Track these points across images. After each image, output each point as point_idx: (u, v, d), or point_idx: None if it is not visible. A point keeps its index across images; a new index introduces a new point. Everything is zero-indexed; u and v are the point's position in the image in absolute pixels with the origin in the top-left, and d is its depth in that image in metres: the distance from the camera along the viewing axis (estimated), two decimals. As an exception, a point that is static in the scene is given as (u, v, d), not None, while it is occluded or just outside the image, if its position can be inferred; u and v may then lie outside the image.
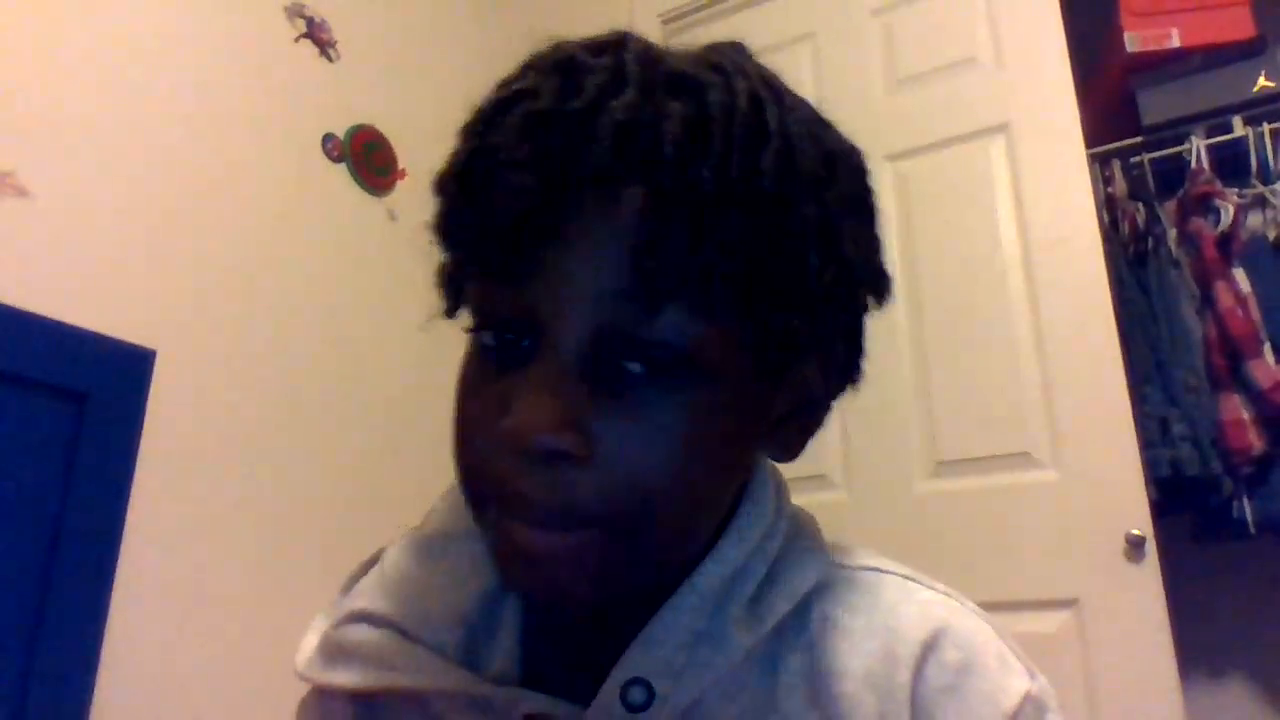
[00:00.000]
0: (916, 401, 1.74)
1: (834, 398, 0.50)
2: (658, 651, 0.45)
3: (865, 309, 0.48)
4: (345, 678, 0.49)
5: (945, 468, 1.69)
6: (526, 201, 0.39)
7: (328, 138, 1.79)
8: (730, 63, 0.43)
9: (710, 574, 0.47)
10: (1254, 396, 1.73)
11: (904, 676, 0.45)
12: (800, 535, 0.51)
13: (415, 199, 1.92)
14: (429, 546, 0.52)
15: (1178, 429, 1.75)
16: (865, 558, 0.52)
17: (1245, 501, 1.73)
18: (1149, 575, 1.48)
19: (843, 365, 0.49)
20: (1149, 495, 1.54)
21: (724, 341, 0.41)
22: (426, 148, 1.99)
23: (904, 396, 1.74)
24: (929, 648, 0.46)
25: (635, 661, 0.45)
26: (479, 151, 0.42)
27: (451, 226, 0.43)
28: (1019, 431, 1.64)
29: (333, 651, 0.50)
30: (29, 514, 1.19)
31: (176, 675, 1.34)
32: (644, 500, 0.41)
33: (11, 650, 1.14)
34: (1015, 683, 0.45)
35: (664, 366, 0.41)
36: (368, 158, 1.86)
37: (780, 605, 0.47)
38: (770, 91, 0.43)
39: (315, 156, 1.77)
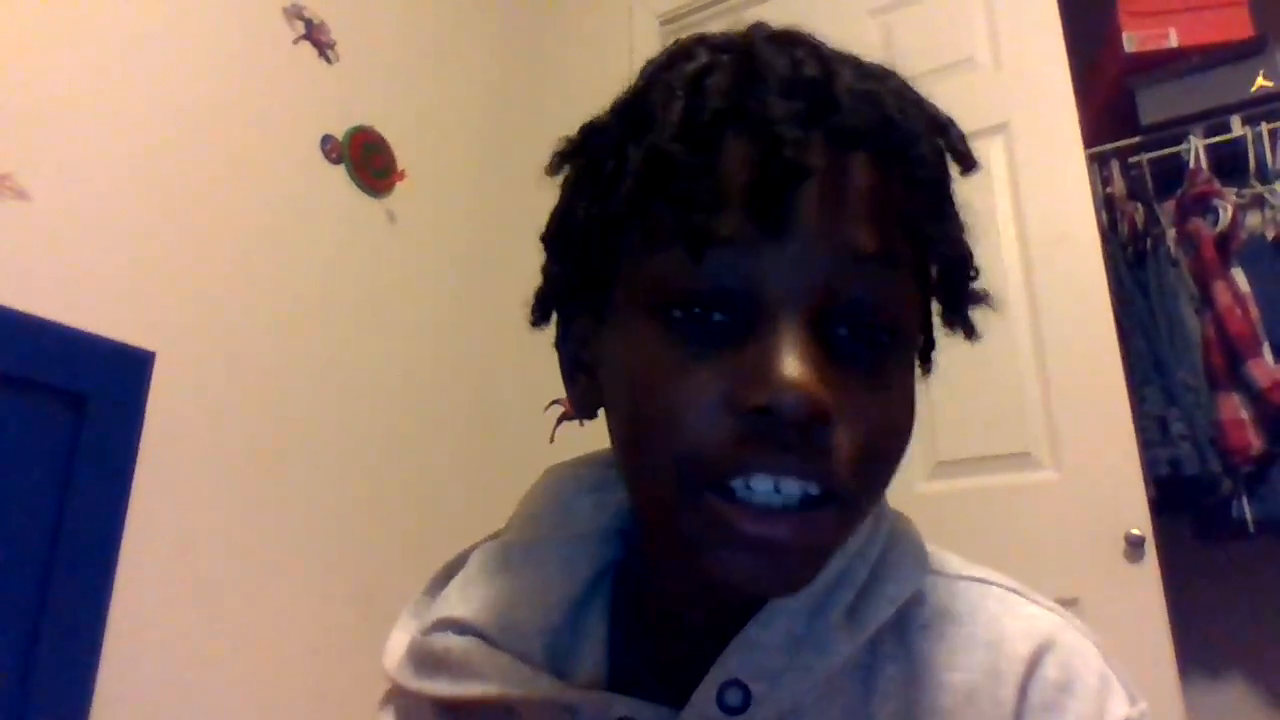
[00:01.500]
0: (916, 401, 1.74)
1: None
2: (756, 654, 0.45)
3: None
4: (434, 686, 0.49)
5: (944, 468, 1.69)
6: (797, 156, 0.39)
7: (326, 139, 1.79)
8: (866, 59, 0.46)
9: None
10: (1253, 396, 1.73)
11: (1007, 692, 0.45)
12: (901, 540, 0.51)
13: (414, 200, 1.93)
14: (514, 553, 0.52)
15: (1177, 428, 1.75)
16: (967, 567, 0.52)
17: (1244, 501, 1.73)
18: (1148, 575, 1.48)
19: (925, 351, 0.51)
20: (1148, 495, 1.54)
21: (915, 307, 0.44)
22: (426, 149, 2.00)
23: (903, 396, 1.74)
24: (1033, 664, 0.45)
25: (733, 664, 0.45)
26: (715, 111, 0.40)
27: (679, 184, 0.40)
28: (1018, 431, 1.64)
29: (422, 658, 0.50)
30: (29, 515, 1.19)
31: (176, 675, 1.34)
32: (879, 465, 0.41)
33: (11, 650, 1.14)
34: (1115, 707, 0.45)
35: (879, 330, 0.41)
36: (367, 159, 1.86)
37: (880, 612, 0.47)
38: (916, 90, 0.47)
39: (314, 158, 1.77)
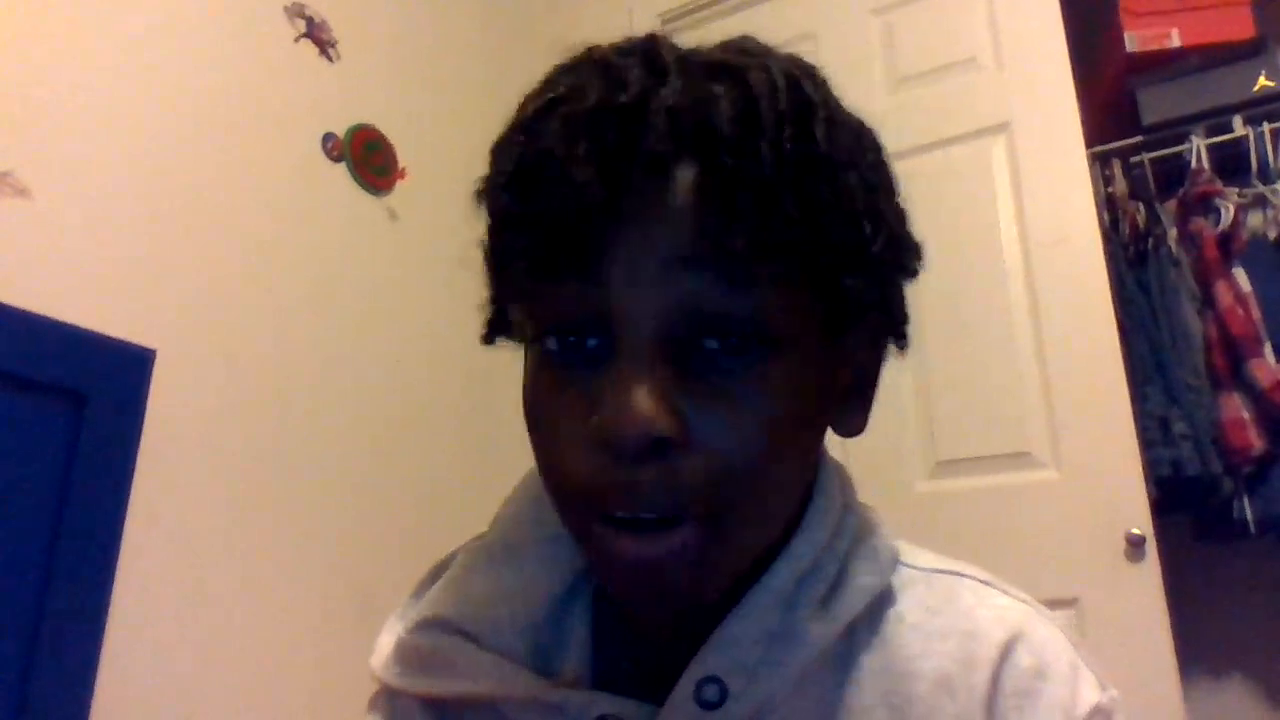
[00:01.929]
0: (916, 401, 1.74)
1: (881, 366, 0.52)
2: (732, 650, 0.46)
3: (907, 275, 0.50)
4: (419, 684, 0.50)
5: (945, 467, 1.69)
6: (590, 194, 0.39)
7: (328, 137, 1.79)
8: (756, 48, 0.46)
9: (783, 572, 0.47)
10: (1254, 396, 1.73)
11: (980, 679, 0.46)
12: (870, 533, 0.51)
13: (415, 198, 1.93)
14: (497, 553, 0.53)
15: (1178, 428, 1.75)
16: (940, 561, 0.53)
17: (1245, 501, 1.73)
18: (1149, 575, 1.48)
19: (891, 332, 0.50)
20: (1149, 495, 1.54)
21: (792, 309, 0.42)
22: (426, 147, 2.00)
23: (904, 396, 1.74)
24: (1006, 652, 0.46)
25: (710, 661, 0.46)
26: (532, 155, 0.41)
27: (510, 232, 0.43)
28: (1019, 431, 1.64)
29: (408, 657, 0.51)
30: (29, 513, 1.19)
31: (176, 675, 1.34)
32: (741, 481, 0.41)
33: (11, 650, 1.14)
34: (1086, 692, 0.46)
35: (741, 340, 0.41)
36: (368, 157, 1.86)
37: (852, 604, 0.48)
38: (801, 69, 0.45)
39: (315, 156, 1.77)
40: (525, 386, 0.45)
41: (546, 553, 0.51)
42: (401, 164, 1.93)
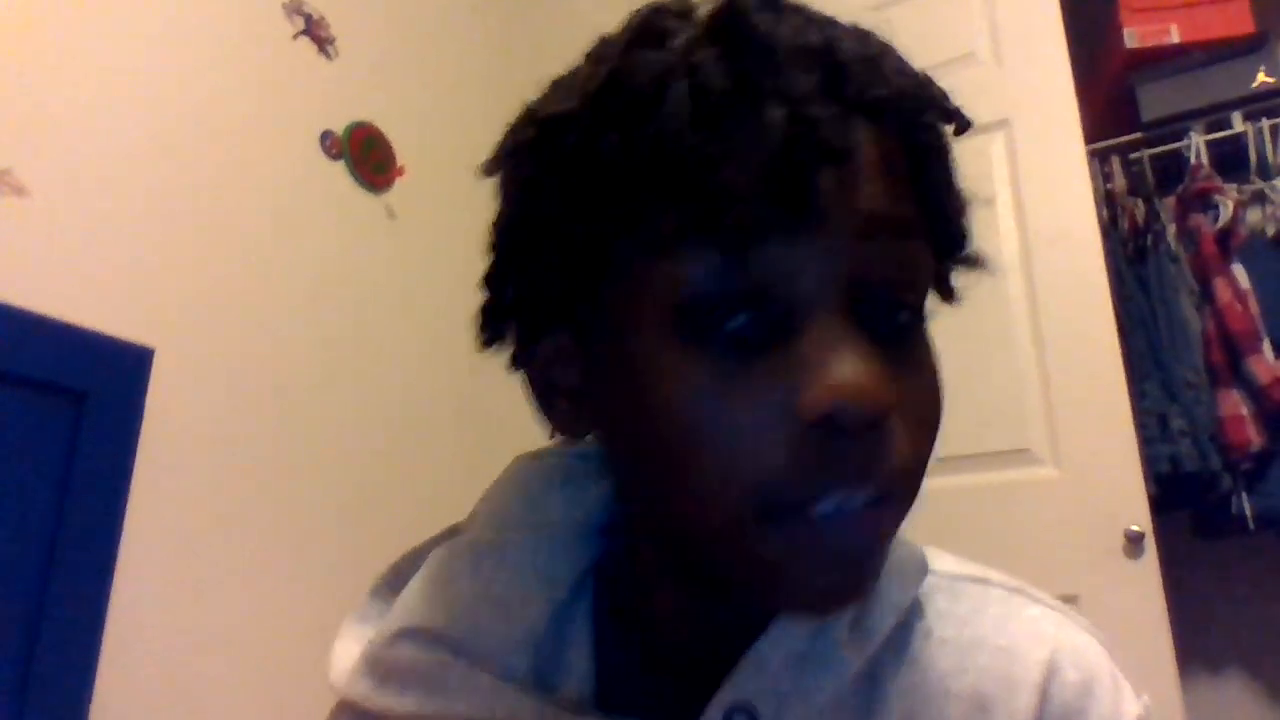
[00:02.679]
0: (916, 398, 1.74)
1: None
2: (763, 675, 0.43)
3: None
4: (400, 703, 0.44)
5: (943, 464, 1.67)
6: (830, 134, 0.35)
7: (326, 135, 1.79)
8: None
9: None
10: (1253, 392, 1.73)
11: (1026, 701, 0.43)
12: (899, 543, 0.48)
13: (414, 196, 1.92)
14: (484, 553, 0.47)
15: (1177, 425, 1.75)
16: (963, 566, 0.50)
17: (1244, 497, 1.74)
18: (1148, 571, 1.48)
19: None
20: (1148, 491, 1.54)
21: (930, 277, 0.41)
22: (425, 145, 2.00)
23: (903, 393, 1.74)
24: (1050, 670, 0.44)
25: (740, 686, 0.42)
26: (724, 91, 0.36)
27: (704, 180, 0.35)
28: (1018, 428, 1.64)
29: (384, 672, 0.45)
30: (27, 513, 1.19)
31: (176, 674, 1.33)
32: (929, 453, 0.40)
33: (11, 650, 1.14)
34: (1129, 706, 0.44)
35: (905, 306, 0.39)
36: (366, 155, 1.86)
37: (885, 620, 0.45)
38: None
39: (314, 154, 1.76)
40: (648, 381, 0.37)
41: (545, 556, 0.47)
42: (400, 161, 1.93)
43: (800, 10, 0.40)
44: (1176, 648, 1.45)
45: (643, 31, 0.39)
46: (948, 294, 0.46)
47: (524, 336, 0.46)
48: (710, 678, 0.43)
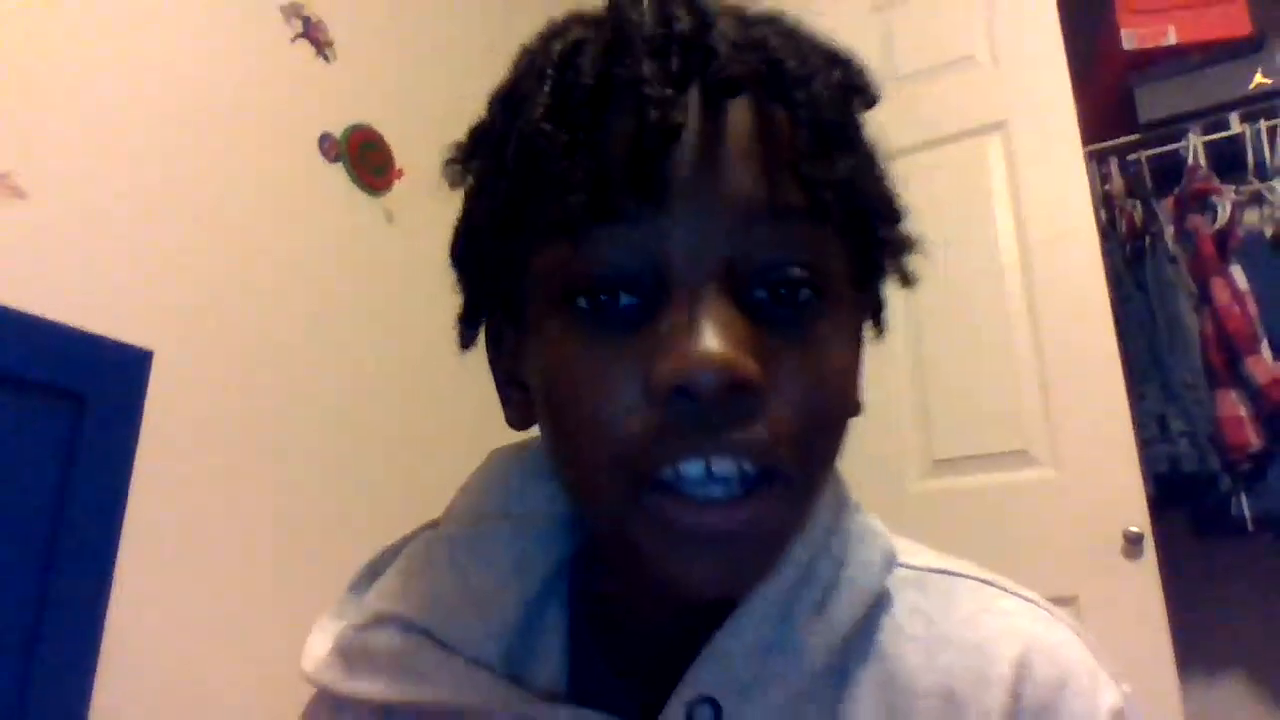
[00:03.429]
0: (913, 399, 1.74)
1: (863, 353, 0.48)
2: (725, 666, 0.42)
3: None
4: (371, 688, 0.44)
5: (942, 466, 1.69)
6: (670, 115, 0.36)
7: (324, 137, 1.79)
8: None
9: (781, 575, 0.43)
10: (1252, 393, 1.73)
11: (998, 699, 0.42)
12: (865, 533, 0.48)
13: (412, 199, 1.92)
14: (460, 544, 0.47)
15: (1175, 426, 1.76)
16: (936, 559, 0.50)
17: (1243, 498, 1.74)
18: (1147, 572, 1.48)
19: (873, 315, 0.47)
20: (1147, 492, 1.54)
21: (837, 259, 0.40)
22: (424, 147, 1.99)
23: (900, 394, 1.74)
24: (1023, 667, 0.43)
25: (702, 678, 0.42)
26: (582, 81, 0.38)
27: (557, 167, 0.37)
28: (1016, 429, 1.64)
29: (355, 657, 0.45)
30: (27, 514, 1.19)
31: (176, 675, 1.33)
32: (821, 436, 0.38)
33: (10, 650, 1.14)
34: (1106, 698, 0.43)
35: (801, 288, 0.38)
36: (364, 157, 1.86)
37: (851, 610, 0.44)
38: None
39: (312, 156, 1.76)
40: (548, 359, 0.39)
41: (520, 546, 0.47)
42: (399, 164, 1.93)
43: (689, 1, 0.40)
44: (1176, 648, 1.45)
45: (546, 35, 0.42)
46: (884, 275, 0.46)
47: (489, 337, 0.48)
48: (678, 669, 0.43)
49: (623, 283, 0.37)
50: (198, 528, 1.41)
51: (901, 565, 0.48)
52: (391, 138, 1.92)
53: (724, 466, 0.36)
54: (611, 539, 0.45)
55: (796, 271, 0.38)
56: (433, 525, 0.51)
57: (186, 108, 1.53)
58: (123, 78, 1.44)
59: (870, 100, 0.43)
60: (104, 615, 1.25)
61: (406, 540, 0.51)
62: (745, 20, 0.41)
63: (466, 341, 0.48)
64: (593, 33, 0.40)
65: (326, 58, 1.83)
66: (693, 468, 0.36)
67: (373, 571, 0.51)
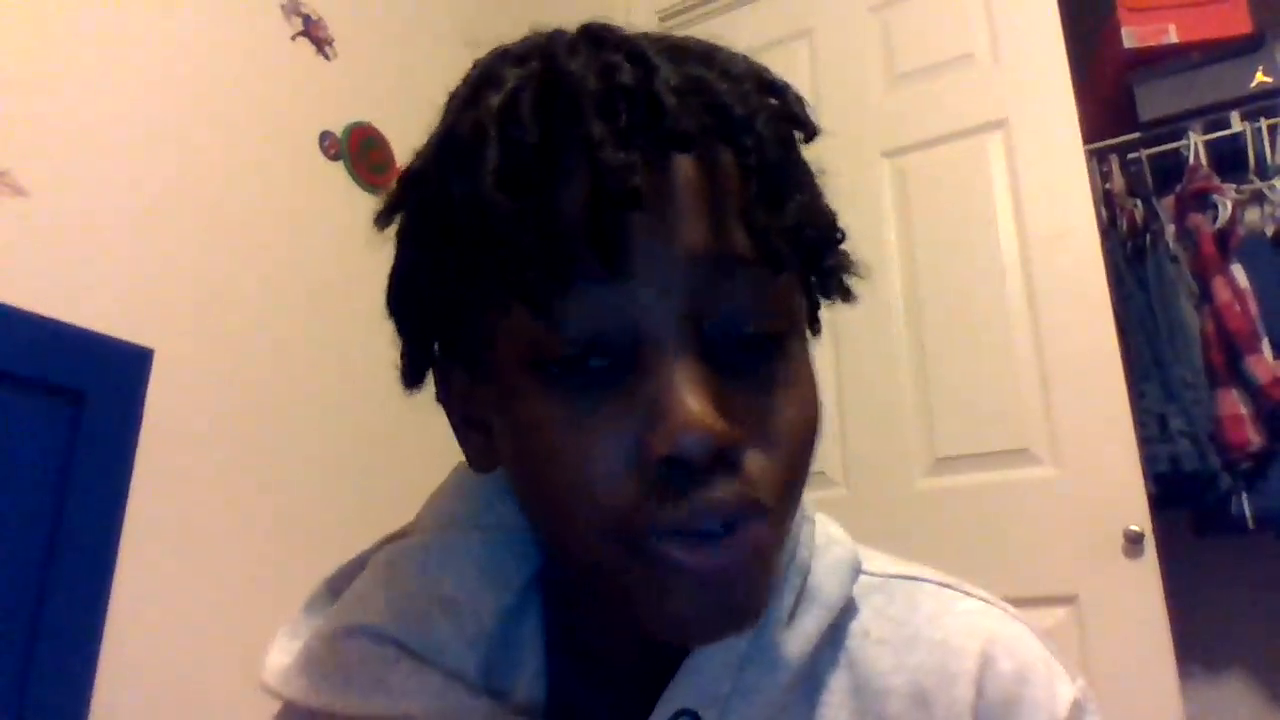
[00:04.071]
0: (915, 398, 1.74)
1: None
2: (704, 680, 0.43)
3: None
4: (342, 700, 0.43)
5: (944, 464, 1.69)
6: (625, 178, 0.35)
7: (325, 135, 1.79)
8: (683, 36, 0.44)
9: None
10: (1252, 392, 1.73)
11: (962, 693, 0.44)
12: (831, 542, 0.49)
13: (413, 197, 1.92)
14: (432, 555, 0.47)
15: (1176, 425, 1.76)
16: (895, 565, 0.51)
17: (1244, 497, 1.74)
18: (1147, 571, 1.48)
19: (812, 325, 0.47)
20: (1147, 491, 1.54)
21: (794, 298, 0.41)
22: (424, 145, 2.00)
23: (902, 393, 1.74)
24: (985, 661, 0.45)
25: (681, 694, 0.43)
26: (529, 143, 0.37)
27: (511, 236, 0.37)
28: (1017, 428, 1.64)
29: (325, 669, 0.44)
30: (27, 512, 1.19)
31: (176, 673, 1.33)
32: (798, 472, 0.39)
33: (10, 650, 1.14)
34: (1064, 689, 0.45)
35: (765, 334, 0.39)
36: (365, 155, 1.86)
37: (821, 619, 0.45)
38: (740, 54, 0.43)
39: (312, 154, 1.76)
40: (520, 421, 0.39)
41: (495, 558, 0.46)
42: (399, 162, 1.93)
43: (622, 43, 0.40)
44: (1176, 646, 1.45)
45: (476, 82, 0.41)
46: (838, 296, 0.45)
47: (437, 375, 0.47)
48: (657, 683, 0.43)
49: (592, 348, 0.37)
50: (198, 525, 1.41)
51: (864, 573, 0.49)
52: (392, 135, 1.92)
53: (710, 521, 0.36)
54: (591, 586, 0.44)
55: (758, 320, 0.39)
56: (394, 538, 0.50)
57: (186, 105, 1.53)
58: (123, 75, 1.44)
59: (810, 133, 0.42)
60: (104, 613, 1.25)
61: (367, 554, 0.50)
62: (677, 57, 0.40)
63: (411, 382, 0.47)
64: (527, 79, 0.39)
65: (327, 55, 1.82)
66: (682, 528, 0.36)
67: (333, 589, 0.50)
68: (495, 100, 0.39)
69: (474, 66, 0.43)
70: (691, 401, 0.35)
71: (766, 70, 0.43)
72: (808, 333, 0.44)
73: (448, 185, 0.39)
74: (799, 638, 0.44)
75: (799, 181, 0.41)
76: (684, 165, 0.38)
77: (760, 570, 0.38)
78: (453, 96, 0.43)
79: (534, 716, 0.44)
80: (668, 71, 0.38)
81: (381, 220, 0.44)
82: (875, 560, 0.51)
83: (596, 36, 0.40)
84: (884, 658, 0.46)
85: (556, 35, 0.42)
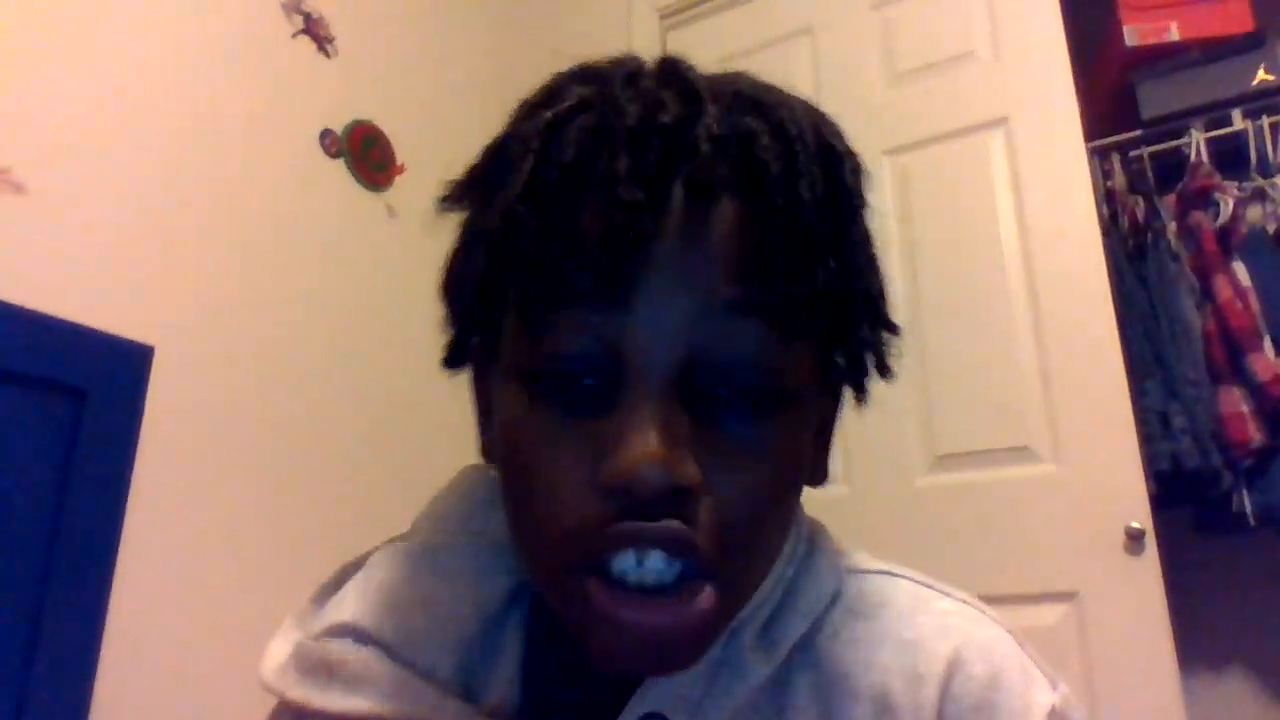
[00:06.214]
0: (916, 395, 1.73)
1: (839, 414, 0.50)
2: (674, 684, 0.43)
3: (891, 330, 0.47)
4: (324, 698, 0.44)
5: (945, 461, 1.69)
6: (636, 215, 0.36)
7: (325, 133, 1.79)
8: (768, 85, 0.43)
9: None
10: (1253, 389, 1.73)
11: (930, 695, 0.43)
12: (816, 554, 0.49)
13: (413, 194, 1.92)
14: (423, 559, 0.48)
15: (1177, 422, 1.75)
16: (873, 562, 0.50)
17: (1245, 494, 1.73)
18: (1148, 568, 1.48)
19: (853, 383, 0.47)
20: (1149, 489, 1.54)
21: (805, 360, 0.41)
22: (424, 143, 2.00)
23: (904, 390, 1.74)
24: (955, 664, 0.44)
25: (651, 697, 0.43)
26: (560, 165, 0.38)
27: (525, 248, 0.38)
28: (1019, 425, 1.64)
29: (312, 667, 0.45)
30: (28, 510, 1.19)
31: (176, 671, 1.34)
32: (748, 538, 0.39)
33: (10, 649, 1.14)
34: (1040, 697, 0.43)
35: (759, 391, 0.39)
36: (365, 153, 1.86)
37: (793, 629, 0.45)
38: (818, 113, 0.43)
39: (313, 152, 1.76)
40: (506, 425, 0.41)
41: (482, 564, 0.47)
42: (400, 160, 1.93)
43: (685, 81, 0.40)
44: (1177, 645, 1.45)
45: (543, 96, 0.42)
46: (868, 373, 0.45)
47: (474, 362, 0.49)
48: (632, 686, 0.44)
49: (580, 368, 0.38)
50: (198, 523, 1.42)
51: (844, 570, 0.49)
52: (392, 133, 1.92)
53: (654, 560, 0.37)
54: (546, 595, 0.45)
55: (753, 375, 0.39)
56: (401, 539, 0.52)
57: (187, 103, 1.53)
58: (124, 73, 1.44)
59: (858, 204, 0.42)
60: (104, 609, 1.25)
61: (370, 554, 0.51)
62: (736, 104, 0.40)
63: (451, 365, 0.48)
64: (581, 101, 0.40)
65: (327, 54, 1.82)
66: (625, 559, 0.37)
67: (336, 584, 0.51)
68: (548, 115, 0.40)
69: (552, 77, 0.44)
70: (651, 436, 0.36)
71: (836, 136, 0.42)
72: (819, 398, 0.43)
73: (488, 186, 0.41)
74: (769, 647, 0.45)
75: (835, 251, 0.40)
76: (707, 213, 0.38)
77: (694, 635, 0.38)
78: (523, 103, 0.44)
79: (507, 717, 0.44)
80: (713, 117, 0.39)
81: (442, 207, 0.46)
82: (854, 557, 0.51)
83: (666, 70, 0.41)
84: (853, 656, 0.45)
85: (628, 60, 0.42)
